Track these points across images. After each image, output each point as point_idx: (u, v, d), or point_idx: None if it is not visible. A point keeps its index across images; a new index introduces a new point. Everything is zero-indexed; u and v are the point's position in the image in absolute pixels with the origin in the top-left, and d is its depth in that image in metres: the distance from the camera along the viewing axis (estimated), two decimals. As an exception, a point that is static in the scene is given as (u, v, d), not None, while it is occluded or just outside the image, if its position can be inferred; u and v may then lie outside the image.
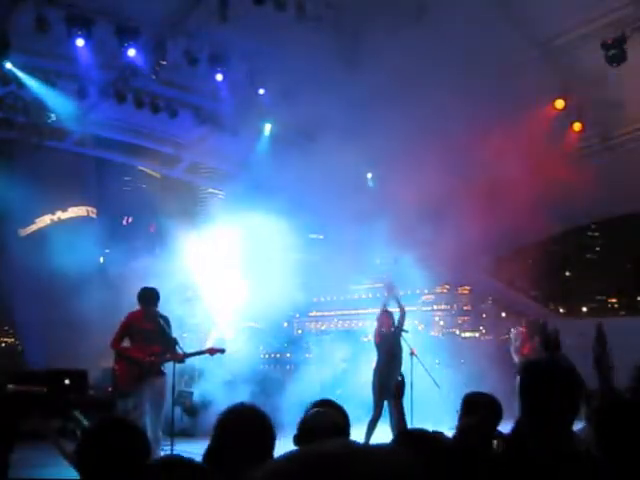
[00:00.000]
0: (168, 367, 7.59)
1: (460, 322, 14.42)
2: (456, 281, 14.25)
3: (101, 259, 13.93)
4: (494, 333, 13.72)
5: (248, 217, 10.64)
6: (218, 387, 10.22)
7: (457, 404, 3.98)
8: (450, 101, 9.36)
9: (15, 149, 12.82)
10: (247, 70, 10.88)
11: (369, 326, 9.53)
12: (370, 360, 9.17)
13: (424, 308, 13.89)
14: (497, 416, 3.83)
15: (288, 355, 13.17)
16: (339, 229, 12.30)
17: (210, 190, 16.17)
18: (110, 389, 7.86)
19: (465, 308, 14.59)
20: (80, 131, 13.01)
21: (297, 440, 2.98)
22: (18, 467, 6.66)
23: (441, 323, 14.47)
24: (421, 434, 2.32)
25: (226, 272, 11.13)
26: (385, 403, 8.58)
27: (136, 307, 7.69)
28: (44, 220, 13.62)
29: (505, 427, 3.36)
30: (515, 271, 12.64)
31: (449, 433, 3.31)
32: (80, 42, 9.53)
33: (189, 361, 8.38)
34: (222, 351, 8.21)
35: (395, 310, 9.17)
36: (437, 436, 2.33)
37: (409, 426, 8.19)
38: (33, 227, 13.54)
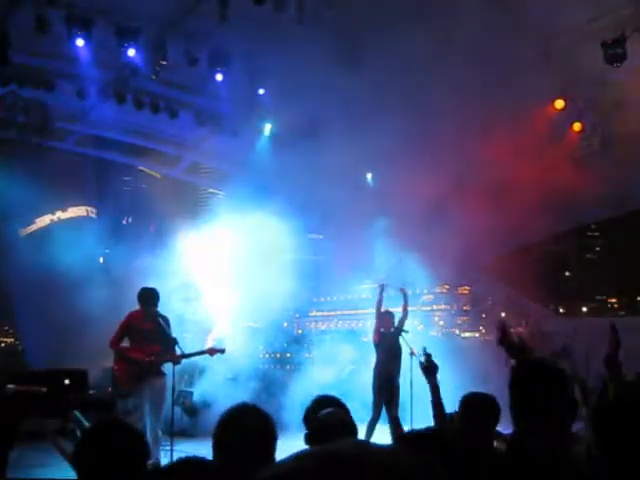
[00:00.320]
0: (168, 367, 7.59)
1: (460, 322, 14.40)
2: (456, 281, 14.24)
3: (101, 259, 13.92)
4: (494, 333, 13.70)
5: (248, 217, 10.63)
6: (218, 387, 10.22)
7: (457, 404, 3.97)
8: (450, 101, 9.36)
9: (15, 149, 12.81)
10: (247, 70, 10.88)
11: (369, 326, 9.53)
12: (370, 360, 9.18)
13: (424, 308, 13.88)
14: (496, 417, 3.83)
15: (288, 355, 13.17)
16: (339, 229, 12.30)
17: (210, 190, 16.17)
18: (110, 389, 7.86)
19: (465, 308, 14.57)
20: (80, 131, 13.02)
21: (308, 439, 2.99)
22: (18, 467, 6.67)
23: (441, 323, 14.46)
24: (423, 435, 2.32)
25: (226, 272, 11.12)
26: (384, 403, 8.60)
27: (136, 307, 7.70)
28: (44, 220, 13.62)
29: (505, 427, 3.36)
30: (515, 271, 12.63)
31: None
32: (80, 42, 9.54)
33: (189, 361, 8.39)
34: (222, 351, 8.21)
35: (397, 310, 9.17)
36: (437, 436, 2.33)
37: (409, 426, 8.22)
38: (33, 227, 13.54)
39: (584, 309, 26.97)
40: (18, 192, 11.93)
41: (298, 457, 1.02)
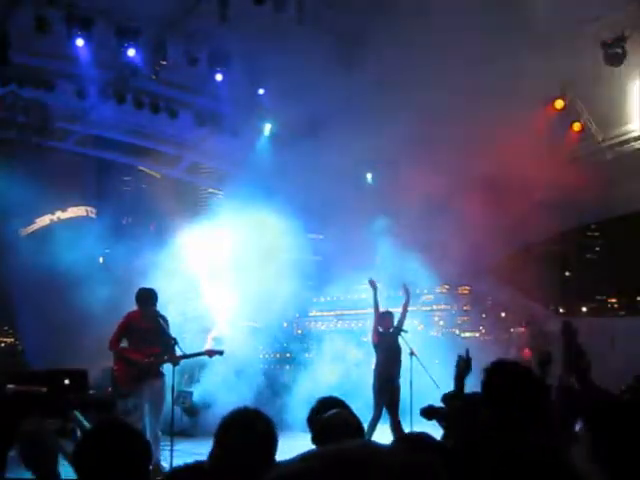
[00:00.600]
0: (168, 367, 7.59)
1: (460, 322, 14.40)
2: (456, 281, 14.24)
3: (101, 259, 13.92)
4: (494, 333, 13.71)
5: (248, 217, 10.64)
6: (218, 387, 10.22)
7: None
8: (450, 101, 9.36)
9: (15, 149, 12.81)
10: (247, 70, 10.88)
11: (369, 326, 9.53)
12: (370, 361, 9.18)
13: (424, 308, 13.88)
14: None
15: (288, 355, 13.17)
16: (339, 229, 12.29)
17: (210, 190, 16.16)
18: (110, 389, 7.86)
19: (465, 308, 14.57)
20: (80, 131, 13.02)
21: (315, 440, 3.00)
22: (18, 467, 6.66)
23: (441, 323, 14.46)
24: (422, 436, 2.33)
25: (226, 271, 11.12)
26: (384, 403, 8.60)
27: (135, 307, 7.69)
28: (44, 220, 13.63)
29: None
30: (515, 271, 12.63)
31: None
32: (80, 42, 9.54)
33: (189, 361, 8.38)
34: (220, 353, 8.20)
35: (397, 310, 9.16)
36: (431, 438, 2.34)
37: (409, 427, 8.22)
38: (33, 227, 13.55)
39: (584, 309, 26.94)
40: (18, 192, 11.93)
41: (304, 458, 1.03)
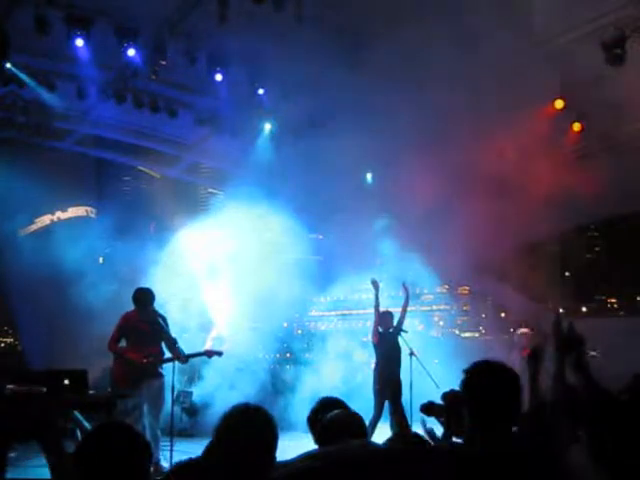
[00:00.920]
0: (167, 367, 7.59)
1: (460, 322, 14.40)
2: (456, 281, 14.23)
3: (101, 259, 13.93)
4: (494, 333, 13.70)
5: (248, 217, 10.64)
6: (218, 387, 10.22)
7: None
8: (450, 101, 9.36)
9: (15, 149, 12.81)
10: (247, 70, 10.88)
11: (369, 326, 9.53)
12: (371, 360, 9.18)
13: (424, 308, 13.88)
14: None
15: (288, 355, 13.17)
16: (340, 228, 12.29)
17: (210, 190, 16.16)
18: (109, 390, 7.87)
19: (465, 308, 14.57)
20: (80, 131, 13.01)
21: (319, 440, 3.00)
22: (17, 467, 6.66)
23: (441, 323, 14.46)
24: (416, 436, 2.33)
25: (226, 271, 11.12)
26: (386, 403, 8.61)
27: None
28: (44, 220, 13.63)
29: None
30: (515, 271, 12.62)
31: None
32: (80, 42, 9.53)
33: (190, 361, 8.38)
34: (219, 354, 8.21)
35: (396, 310, 9.17)
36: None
37: (410, 427, 8.22)
38: (33, 227, 13.54)
39: (584, 309, 26.90)
40: (18, 192, 11.94)
41: (307, 457, 1.03)
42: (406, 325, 9.07)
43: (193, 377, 11.07)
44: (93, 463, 2.32)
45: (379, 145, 10.51)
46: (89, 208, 14.34)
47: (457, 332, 14.37)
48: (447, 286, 14.33)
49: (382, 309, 9.09)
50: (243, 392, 9.60)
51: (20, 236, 13.28)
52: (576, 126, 11.24)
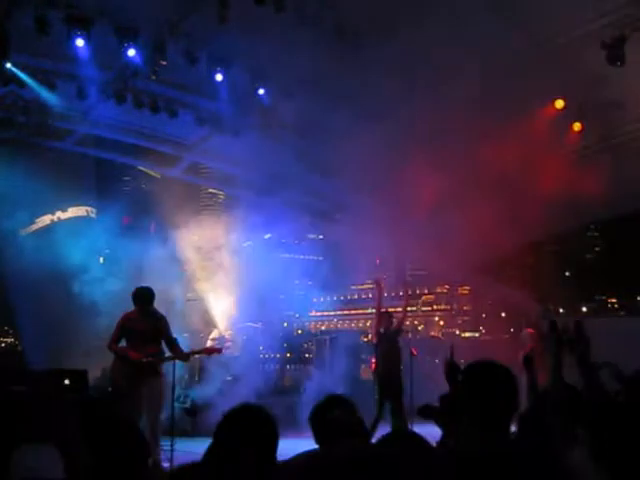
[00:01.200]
0: (168, 367, 7.59)
1: (460, 322, 14.41)
2: (456, 281, 14.24)
3: (101, 259, 13.94)
4: (494, 333, 13.72)
5: (248, 217, 10.64)
6: (218, 387, 10.22)
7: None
8: (450, 101, 9.36)
9: (15, 149, 12.82)
10: (247, 70, 10.88)
11: (369, 326, 9.54)
12: (371, 360, 9.18)
13: (424, 308, 13.89)
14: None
15: (288, 355, 13.18)
16: (339, 228, 12.29)
17: (210, 190, 16.18)
18: (109, 389, 7.87)
19: (465, 308, 14.59)
20: (80, 131, 13.02)
21: (318, 440, 3.00)
22: (17, 467, 6.66)
23: (441, 323, 14.47)
24: (410, 435, 2.33)
25: (226, 271, 11.13)
26: (386, 403, 8.61)
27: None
28: (44, 220, 13.64)
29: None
30: (515, 271, 12.64)
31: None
32: (80, 42, 9.53)
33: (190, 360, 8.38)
34: (219, 351, 8.21)
35: (396, 310, 9.17)
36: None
37: (409, 427, 8.23)
38: (33, 227, 13.56)
39: (584, 309, 26.96)
40: (18, 192, 11.94)
41: (307, 457, 1.04)
42: (406, 325, 9.07)
43: (194, 377, 11.07)
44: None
45: (378, 145, 10.51)
46: (89, 208, 14.35)
47: (457, 332, 14.38)
48: (447, 286, 14.34)
49: (382, 309, 9.09)
50: (243, 392, 9.59)
51: (20, 236, 13.30)
52: (576, 126, 11.24)
